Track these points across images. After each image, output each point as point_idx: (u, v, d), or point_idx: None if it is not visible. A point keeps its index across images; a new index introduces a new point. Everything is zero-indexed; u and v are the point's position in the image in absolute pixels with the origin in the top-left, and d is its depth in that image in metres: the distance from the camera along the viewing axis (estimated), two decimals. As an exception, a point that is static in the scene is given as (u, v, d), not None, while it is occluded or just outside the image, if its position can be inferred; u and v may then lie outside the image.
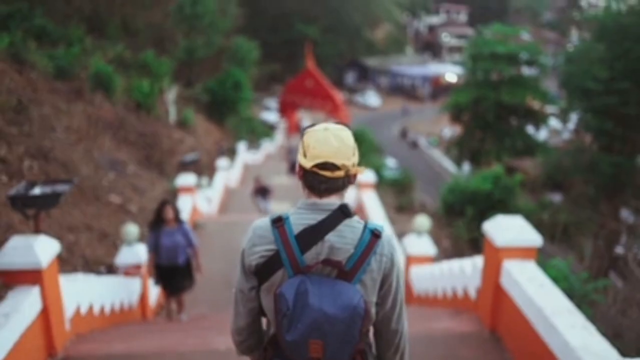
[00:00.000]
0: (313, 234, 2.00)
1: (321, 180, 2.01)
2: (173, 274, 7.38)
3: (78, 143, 13.05)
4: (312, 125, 2.11)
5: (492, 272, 5.06)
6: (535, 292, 4.37)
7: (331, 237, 2.00)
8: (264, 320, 2.32)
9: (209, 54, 35.29)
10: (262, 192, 16.41)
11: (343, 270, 1.98)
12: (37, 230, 5.09)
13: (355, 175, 2.08)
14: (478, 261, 5.64)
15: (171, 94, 24.78)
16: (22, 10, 18.57)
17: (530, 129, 36.45)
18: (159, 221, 7.20)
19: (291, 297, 1.91)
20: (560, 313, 4.04)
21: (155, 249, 7.24)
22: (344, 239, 2.01)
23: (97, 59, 19.68)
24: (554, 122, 40.07)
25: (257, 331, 2.27)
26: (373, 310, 2.09)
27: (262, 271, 2.07)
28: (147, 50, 26.16)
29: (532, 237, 4.87)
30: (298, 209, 2.09)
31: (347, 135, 2.03)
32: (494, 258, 4.98)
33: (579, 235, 18.43)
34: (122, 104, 19.36)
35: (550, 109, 36.73)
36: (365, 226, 2.06)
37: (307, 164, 2.00)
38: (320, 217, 2.03)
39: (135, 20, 32.21)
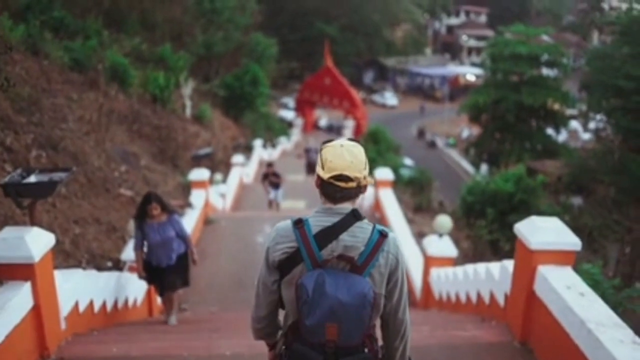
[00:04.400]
0: (329, 234, 2.28)
1: (336, 189, 2.29)
2: (164, 273, 6.62)
3: (90, 134, 12.76)
4: (330, 140, 2.38)
5: (524, 278, 4.62)
6: (576, 301, 3.93)
7: (344, 237, 2.28)
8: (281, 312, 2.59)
9: (227, 49, 34.97)
10: (272, 178, 16.04)
11: (355, 264, 2.27)
12: (32, 222, 4.73)
13: (365, 186, 2.34)
14: (508, 265, 5.19)
15: (187, 88, 24.50)
16: (41, 2, 18.36)
17: (549, 131, 35.84)
18: (144, 216, 6.45)
19: (311, 286, 2.21)
20: (606, 326, 3.59)
21: (142, 247, 6.53)
22: (355, 238, 2.29)
23: (113, 52, 19.45)
24: (573, 124, 39.39)
25: (274, 320, 2.56)
26: (382, 301, 2.36)
27: (284, 265, 2.35)
28: (165, 44, 25.92)
29: (571, 240, 4.42)
30: (316, 213, 2.37)
31: (359, 151, 2.32)
32: (528, 262, 4.54)
33: (603, 239, 17.83)
34: (137, 97, 19.11)
35: (570, 110, 36.07)
36: (374, 227, 2.34)
37: (325, 175, 2.28)
38: (335, 219, 2.31)
39: (153, 15, 31.94)
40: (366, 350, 2.35)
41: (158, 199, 6.48)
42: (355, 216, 2.32)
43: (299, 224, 2.33)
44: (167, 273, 6.64)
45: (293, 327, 2.39)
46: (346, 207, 2.33)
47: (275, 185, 16.10)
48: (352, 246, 2.27)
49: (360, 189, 2.33)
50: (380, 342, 2.52)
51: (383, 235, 2.32)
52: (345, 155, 2.26)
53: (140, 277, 6.69)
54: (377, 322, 2.47)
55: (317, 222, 2.32)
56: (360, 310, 2.20)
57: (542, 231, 4.46)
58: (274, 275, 2.40)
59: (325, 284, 2.20)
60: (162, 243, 6.44)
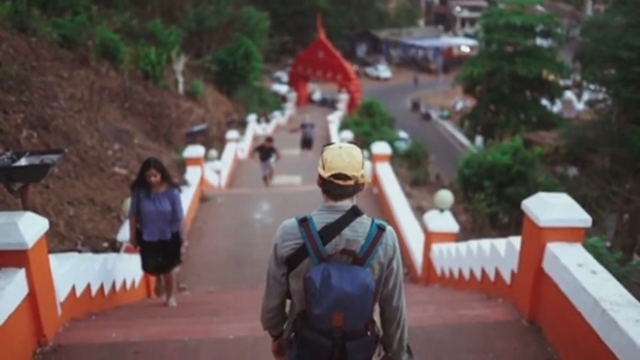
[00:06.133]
0: (332, 230, 2.49)
1: (335, 187, 2.49)
2: (157, 250, 6.26)
3: (81, 112, 12.53)
4: (331, 143, 2.59)
5: (533, 255, 4.51)
6: (588, 280, 3.82)
7: (346, 232, 2.49)
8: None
9: (219, 23, 34.41)
10: (267, 152, 15.68)
11: (357, 257, 2.47)
12: (25, 206, 4.58)
13: (363, 184, 2.55)
14: (514, 241, 5.07)
15: (179, 64, 24.15)
16: (28, -23, 17.92)
17: (544, 102, 35.69)
18: (142, 184, 6.00)
19: (318, 280, 2.40)
20: (621, 305, 3.49)
21: (136, 214, 6.12)
22: (356, 233, 2.50)
23: (103, 28, 19.09)
24: (568, 94, 39.21)
25: (282, 311, 2.78)
26: (381, 288, 2.59)
27: (292, 260, 2.55)
28: (156, 19, 25.48)
29: (581, 217, 4.30)
30: (319, 211, 2.57)
31: (357, 152, 2.51)
32: (536, 239, 4.42)
33: (600, 210, 17.79)
34: (128, 74, 18.81)
35: (564, 81, 35.82)
36: (372, 222, 2.55)
37: (325, 174, 2.48)
38: (337, 216, 2.51)
39: (144, -10, 31.42)
40: (369, 333, 2.58)
41: (159, 166, 6.03)
42: (355, 212, 2.53)
43: (304, 222, 2.52)
44: (162, 253, 6.31)
45: (301, 315, 2.60)
46: (346, 204, 2.53)
47: (265, 159, 15.79)
48: (354, 240, 2.48)
49: (358, 186, 2.52)
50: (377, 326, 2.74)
51: (381, 229, 2.53)
52: (343, 155, 2.46)
53: (132, 243, 6.33)
54: (376, 309, 2.68)
55: (321, 219, 2.52)
56: (364, 299, 2.43)
57: (551, 208, 4.33)
58: (282, 269, 2.61)
59: (331, 276, 2.39)
60: (155, 214, 6.02)
